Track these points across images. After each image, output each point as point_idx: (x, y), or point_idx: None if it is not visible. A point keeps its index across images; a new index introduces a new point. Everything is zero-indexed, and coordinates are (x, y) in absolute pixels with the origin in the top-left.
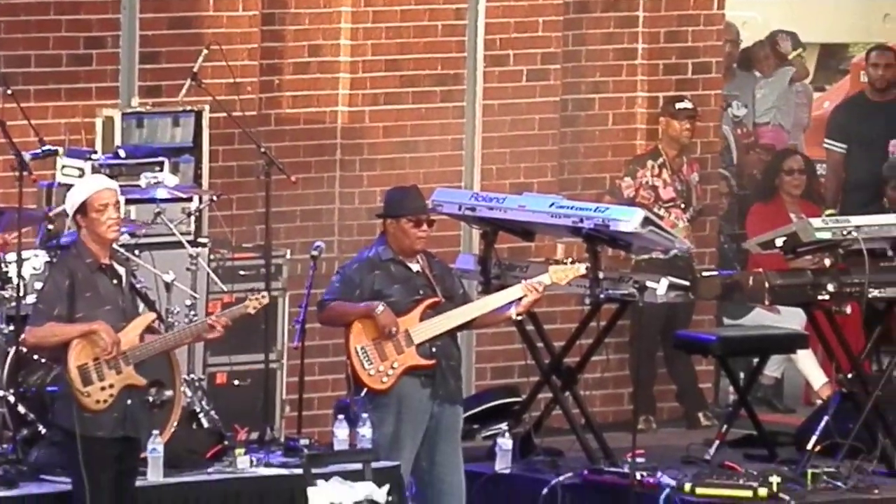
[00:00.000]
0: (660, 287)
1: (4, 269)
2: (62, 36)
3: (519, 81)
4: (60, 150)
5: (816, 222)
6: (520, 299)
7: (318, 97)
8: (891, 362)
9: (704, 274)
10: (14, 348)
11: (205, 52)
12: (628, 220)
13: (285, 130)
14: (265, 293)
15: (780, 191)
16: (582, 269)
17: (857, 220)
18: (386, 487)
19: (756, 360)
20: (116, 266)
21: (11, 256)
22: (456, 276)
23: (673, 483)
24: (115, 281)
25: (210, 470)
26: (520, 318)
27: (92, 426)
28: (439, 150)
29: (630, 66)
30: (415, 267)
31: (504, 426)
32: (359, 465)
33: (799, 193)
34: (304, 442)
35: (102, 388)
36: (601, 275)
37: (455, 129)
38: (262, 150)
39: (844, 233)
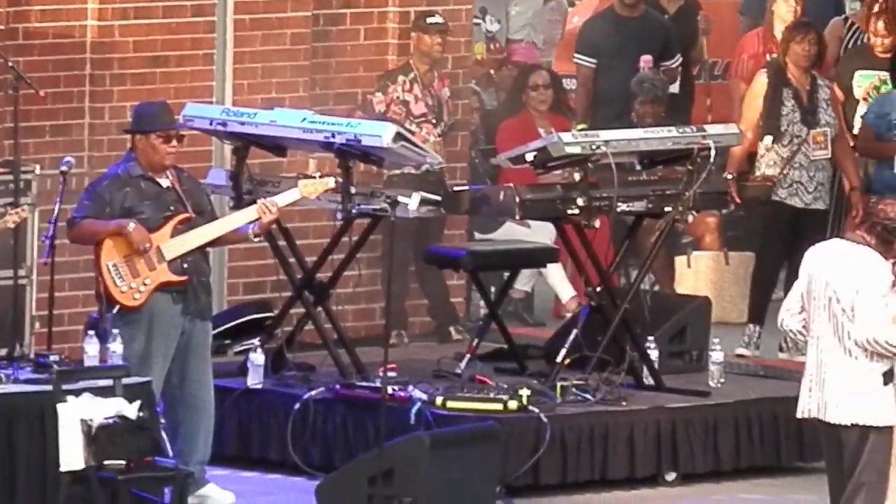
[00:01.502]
0: (411, 202)
1: None
2: None
3: None
4: None
5: (566, 137)
6: (259, 220)
7: (67, 11)
8: (638, 276)
9: (455, 189)
10: None
11: None
12: (380, 135)
13: (34, 45)
14: (25, 207)
15: (528, 106)
16: (331, 182)
17: (606, 134)
18: (137, 403)
19: (506, 274)
20: None
21: None
22: (206, 191)
23: (424, 397)
24: None
25: None
26: (257, 238)
27: None
28: (190, 64)
29: None
30: (165, 183)
31: (256, 341)
32: (110, 382)
33: (545, 108)
34: (53, 358)
35: None
36: (353, 190)
37: (206, 43)
38: (10, 64)
39: (594, 147)
